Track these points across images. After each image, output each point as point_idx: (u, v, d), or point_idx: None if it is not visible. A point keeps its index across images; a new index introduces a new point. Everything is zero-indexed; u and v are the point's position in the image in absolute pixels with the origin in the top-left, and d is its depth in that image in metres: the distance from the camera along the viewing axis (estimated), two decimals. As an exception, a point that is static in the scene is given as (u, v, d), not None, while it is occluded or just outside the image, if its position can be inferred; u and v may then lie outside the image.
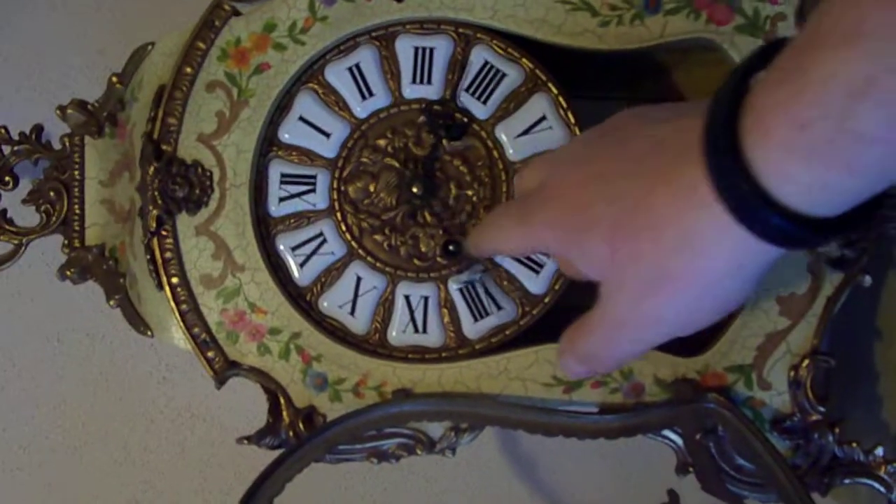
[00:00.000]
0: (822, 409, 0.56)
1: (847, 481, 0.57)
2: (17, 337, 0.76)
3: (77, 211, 0.63)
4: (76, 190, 0.63)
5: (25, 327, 0.76)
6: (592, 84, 0.61)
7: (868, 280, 0.55)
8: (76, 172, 0.63)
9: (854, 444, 0.57)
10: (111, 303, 0.61)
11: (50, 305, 0.75)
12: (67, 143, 0.64)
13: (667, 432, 0.56)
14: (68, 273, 0.63)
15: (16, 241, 0.65)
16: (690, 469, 0.56)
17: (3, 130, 0.65)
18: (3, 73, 0.74)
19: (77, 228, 0.63)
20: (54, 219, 0.64)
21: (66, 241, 0.64)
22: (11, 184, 0.65)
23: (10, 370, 0.76)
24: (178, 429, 0.75)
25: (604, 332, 0.44)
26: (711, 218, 0.37)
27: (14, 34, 0.74)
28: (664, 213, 0.38)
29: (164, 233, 0.57)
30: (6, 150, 0.65)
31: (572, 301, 0.60)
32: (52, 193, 0.64)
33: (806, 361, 0.56)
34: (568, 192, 0.43)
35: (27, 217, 0.65)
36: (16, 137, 0.65)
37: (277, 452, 0.55)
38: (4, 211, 0.65)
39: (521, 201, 0.47)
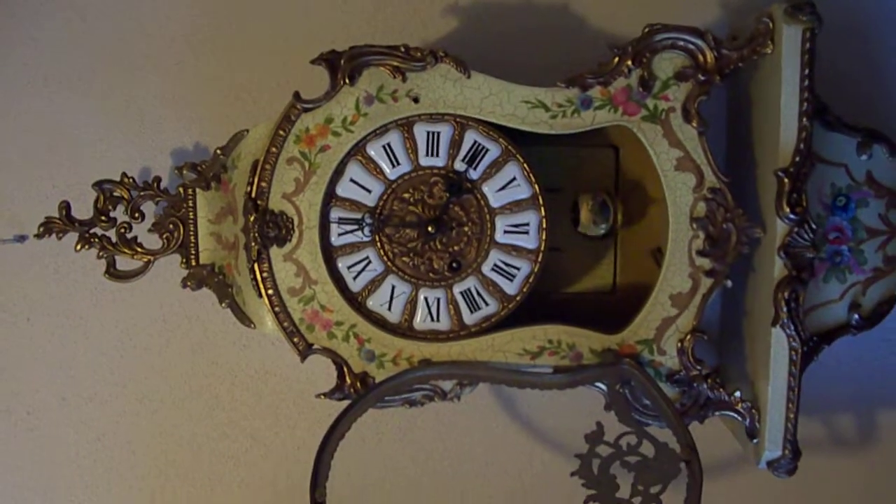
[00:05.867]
0: (699, 367, 0.82)
1: (717, 413, 0.84)
2: (136, 320, 1.01)
3: (192, 239, 0.89)
4: (191, 224, 0.88)
5: (145, 314, 1.01)
6: (550, 137, 0.83)
7: (729, 283, 0.80)
8: (190, 213, 0.89)
9: (721, 390, 0.83)
10: (223, 305, 0.88)
11: (160, 299, 1.00)
12: (182, 191, 0.89)
13: (598, 384, 0.83)
14: (189, 283, 0.89)
15: (146, 259, 0.90)
16: (612, 408, 0.84)
17: (132, 179, 0.90)
18: (129, 130, 0.97)
19: (193, 252, 0.89)
20: (174, 243, 0.90)
21: (183, 260, 0.90)
22: (140, 218, 0.90)
23: (135, 345, 1.01)
24: (255, 382, 1.02)
25: None
26: None
27: (140, 99, 0.97)
28: None
29: (262, 260, 0.83)
30: (134, 194, 0.91)
31: (537, 293, 0.87)
32: (171, 225, 0.90)
33: (689, 336, 0.82)
34: None
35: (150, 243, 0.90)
36: (141, 185, 0.90)
37: (341, 404, 0.83)
38: (135, 237, 0.91)
39: None
